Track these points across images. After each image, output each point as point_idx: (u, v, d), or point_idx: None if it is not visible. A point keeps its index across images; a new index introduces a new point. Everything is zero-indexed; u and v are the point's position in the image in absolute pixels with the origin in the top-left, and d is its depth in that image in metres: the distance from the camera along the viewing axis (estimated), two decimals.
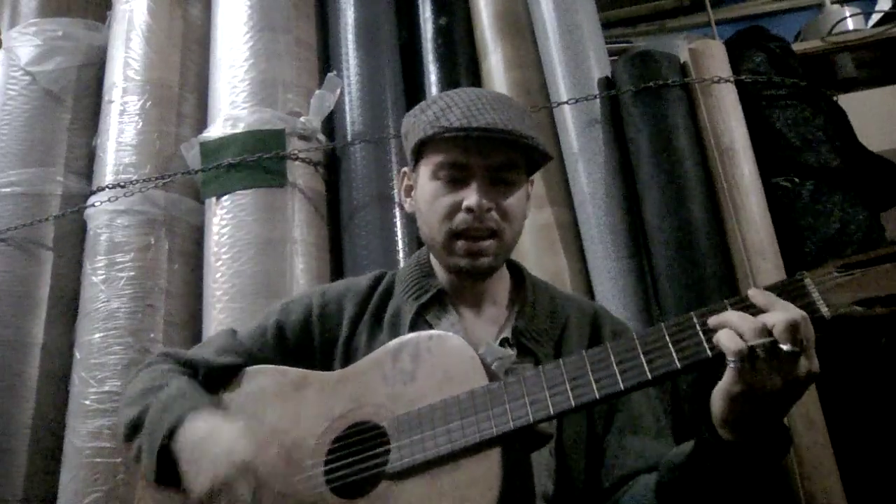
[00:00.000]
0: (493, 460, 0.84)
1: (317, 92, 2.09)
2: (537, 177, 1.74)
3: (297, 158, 2.00)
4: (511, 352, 1.06)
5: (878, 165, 1.98)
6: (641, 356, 0.82)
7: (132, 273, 1.92)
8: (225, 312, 1.82)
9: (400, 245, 1.92)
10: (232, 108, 2.03)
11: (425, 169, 1.08)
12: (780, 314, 0.75)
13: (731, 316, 0.78)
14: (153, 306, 1.91)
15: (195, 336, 1.90)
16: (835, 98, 2.09)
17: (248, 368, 1.09)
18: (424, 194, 1.08)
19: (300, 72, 2.14)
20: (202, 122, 2.16)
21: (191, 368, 1.10)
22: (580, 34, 2.00)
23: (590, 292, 1.83)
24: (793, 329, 0.74)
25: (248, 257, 1.86)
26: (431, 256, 1.15)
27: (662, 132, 1.85)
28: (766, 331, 0.75)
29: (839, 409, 1.63)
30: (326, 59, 2.25)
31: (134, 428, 1.03)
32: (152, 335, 1.88)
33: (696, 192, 1.80)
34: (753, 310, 0.78)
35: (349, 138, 2.05)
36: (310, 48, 2.22)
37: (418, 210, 1.12)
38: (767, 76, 1.93)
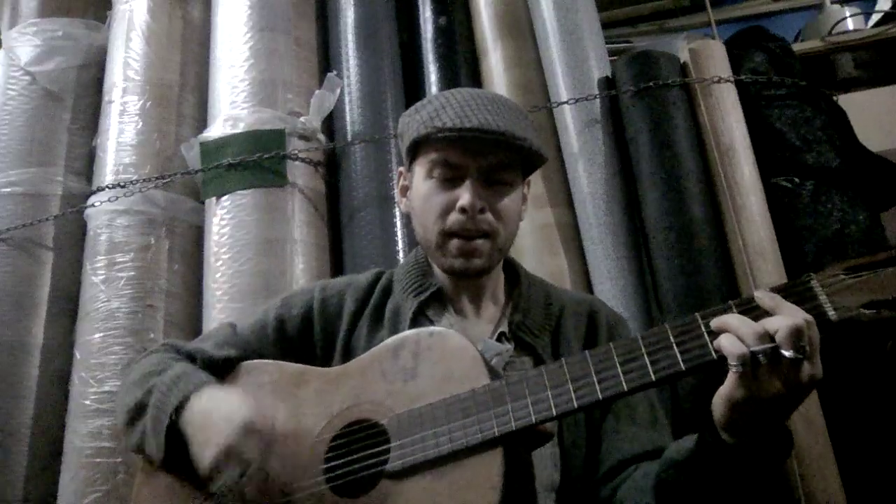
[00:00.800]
0: (494, 461, 0.83)
1: (317, 92, 2.09)
2: (537, 177, 1.75)
3: (297, 158, 2.00)
4: (509, 346, 1.06)
5: (878, 165, 1.98)
6: (645, 357, 0.82)
7: (132, 273, 1.92)
8: (225, 312, 1.82)
9: (400, 245, 1.92)
10: (232, 108, 2.03)
11: (420, 169, 1.09)
12: (784, 319, 0.74)
13: (732, 320, 0.77)
14: (153, 306, 1.91)
15: (195, 336, 1.89)
16: (835, 98, 2.09)
17: (247, 363, 1.08)
18: (419, 194, 1.09)
19: (300, 72, 2.13)
20: (202, 122, 2.16)
21: (190, 359, 1.10)
22: (580, 34, 2.00)
23: (590, 292, 1.83)
24: (796, 335, 0.73)
25: (248, 257, 1.86)
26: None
27: (662, 132, 1.85)
28: (769, 336, 0.74)
29: (840, 409, 1.63)
30: (326, 59, 2.25)
31: (136, 410, 1.03)
32: (152, 335, 1.88)
33: (696, 192, 1.80)
34: (758, 312, 0.78)
35: (349, 138, 2.05)
36: (310, 48, 2.22)
37: (413, 210, 1.12)
38: (767, 76, 1.94)
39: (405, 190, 1.15)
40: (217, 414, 0.93)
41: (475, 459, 0.84)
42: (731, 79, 1.91)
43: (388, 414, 0.92)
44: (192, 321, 1.95)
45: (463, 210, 1.03)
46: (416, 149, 1.09)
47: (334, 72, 2.14)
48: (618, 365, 0.83)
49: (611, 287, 1.78)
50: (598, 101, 1.93)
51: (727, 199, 1.79)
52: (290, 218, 1.93)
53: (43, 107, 2.21)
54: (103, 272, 1.93)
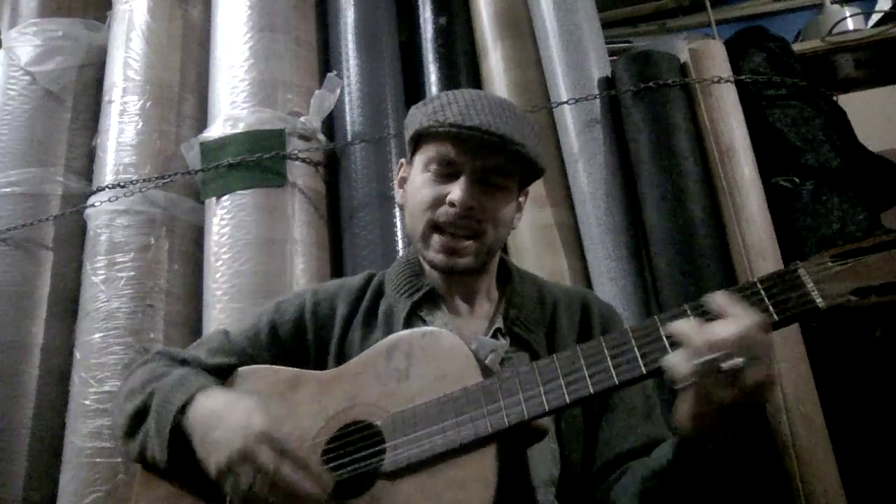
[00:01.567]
0: (488, 458, 0.83)
1: (317, 92, 2.09)
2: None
3: (297, 158, 2.00)
4: (504, 342, 1.06)
5: (878, 165, 1.98)
6: (635, 349, 0.82)
7: (132, 273, 1.92)
8: (225, 312, 1.82)
9: (400, 245, 1.92)
10: (232, 108, 2.03)
11: (419, 161, 1.10)
12: (729, 327, 0.75)
13: (685, 327, 0.78)
14: (153, 306, 1.91)
15: (195, 336, 1.90)
16: (835, 98, 2.09)
17: (241, 369, 1.08)
18: (413, 185, 1.10)
19: (300, 72, 2.14)
20: (202, 122, 2.16)
21: (185, 367, 1.10)
22: (580, 34, 2.00)
23: None
24: (741, 343, 0.73)
25: (248, 257, 1.86)
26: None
27: (662, 132, 1.85)
28: (719, 344, 0.74)
29: (838, 406, 1.63)
30: (326, 59, 2.25)
31: (137, 416, 1.02)
32: (152, 335, 1.88)
33: (696, 192, 1.80)
34: (710, 316, 0.78)
35: (349, 138, 2.05)
36: (310, 48, 2.22)
37: (406, 201, 1.13)
38: (767, 76, 1.94)
39: (403, 182, 1.16)
40: (230, 416, 0.92)
41: (469, 457, 0.84)
42: (731, 79, 1.91)
43: (382, 415, 0.92)
44: (192, 321, 1.95)
45: (453, 204, 1.03)
46: (418, 141, 1.10)
47: (334, 72, 2.14)
48: (608, 358, 0.83)
49: (611, 287, 1.78)
50: (598, 101, 1.93)
51: (727, 199, 1.79)
52: (290, 218, 1.93)
53: (43, 107, 2.21)
54: (103, 272, 1.93)
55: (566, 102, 1.93)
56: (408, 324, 1.07)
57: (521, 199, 1.14)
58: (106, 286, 1.91)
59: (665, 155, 1.82)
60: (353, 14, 2.20)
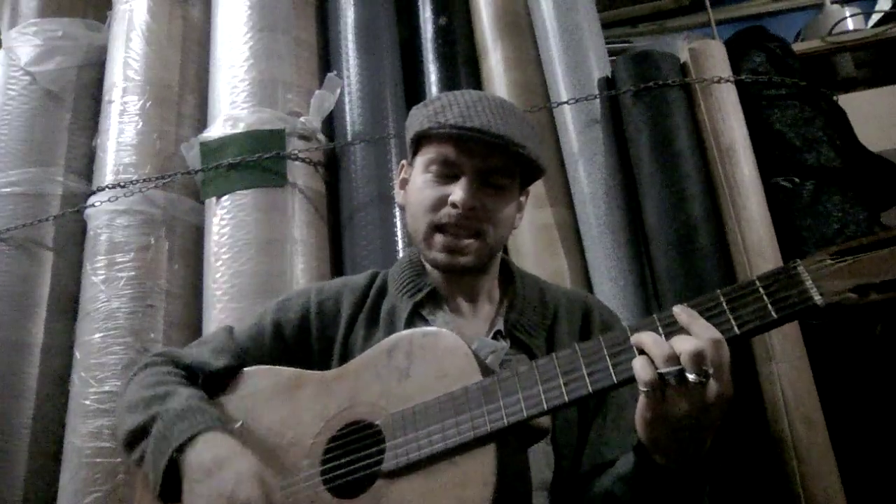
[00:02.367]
0: (488, 457, 0.83)
1: (317, 92, 2.09)
2: None
3: (297, 158, 2.00)
4: (504, 343, 1.06)
5: (878, 165, 1.98)
6: (634, 349, 0.82)
7: (132, 273, 1.92)
8: (225, 312, 1.82)
9: (400, 245, 1.92)
10: (232, 108, 2.03)
11: (420, 162, 1.10)
12: (689, 342, 0.76)
13: (647, 339, 0.78)
14: (153, 306, 1.91)
15: (195, 336, 1.89)
16: (835, 98, 2.09)
17: (246, 369, 1.09)
18: (415, 186, 1.10)
19: (300, 72, 2.14)
20: (202, 122, 2.16)
21: (189, 372, 1.09)
22: (580, 34, 2.00)
23: (590, 292, 1.83)
24: (697, 358, 0.74)
25: (248, 257, 1.86)
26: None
27: (662, 132, 1.85)
28: (676, 358, 0.75)
29: (838, 406, 1.63)
30: (326, 59, 2.25)
31: (138, 435, 1.01)
32: (152, 335, 1.88)
33: (696, 192, 1.80)
34: (676, 327, 0.79)
35: (349, 138, 2.05)
36: (310, 48, 2.22)
37: (408, 203, 1.13)
38: (767, 76, 1.94)
39: (404, 183, 1.16)
40: (219, 477, 0.89)
41: (468, 456, 0.84)
42: (732, 79, 1.91)
43: (382, 414, 0.92)
44: (192, 321, 1.95)
45: (454, 205, 1.03)
46: (419, 142, 1.10)
47: (334, 72, 2.14)
48: (607, 357, 0.83)
49: (611, 287, 1.78)
50: (598, 101, 1.93)
51: (727, 199, 1.79)
52: (290, 218, 1.93)
53: (43, 107, 2.21)
54: (103, 272, 1.93)
55: (566, 102, 1.93)
56: (410, 323, 1.07)
57: (522, 199, 1.14)
58: (106, 286, 1.91)
59: (665, 155, 1.82)
60: (353, 14, 2.20)
